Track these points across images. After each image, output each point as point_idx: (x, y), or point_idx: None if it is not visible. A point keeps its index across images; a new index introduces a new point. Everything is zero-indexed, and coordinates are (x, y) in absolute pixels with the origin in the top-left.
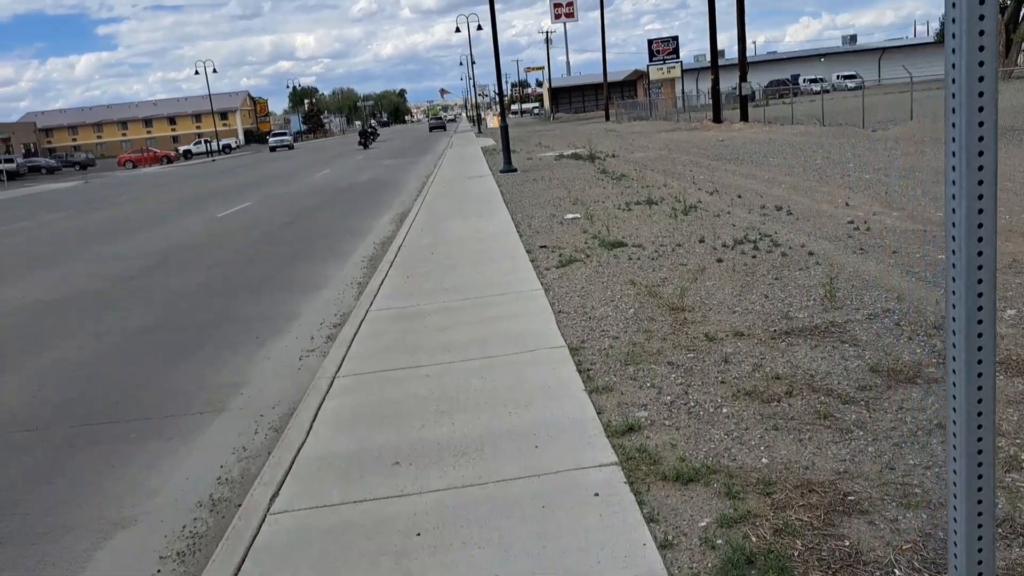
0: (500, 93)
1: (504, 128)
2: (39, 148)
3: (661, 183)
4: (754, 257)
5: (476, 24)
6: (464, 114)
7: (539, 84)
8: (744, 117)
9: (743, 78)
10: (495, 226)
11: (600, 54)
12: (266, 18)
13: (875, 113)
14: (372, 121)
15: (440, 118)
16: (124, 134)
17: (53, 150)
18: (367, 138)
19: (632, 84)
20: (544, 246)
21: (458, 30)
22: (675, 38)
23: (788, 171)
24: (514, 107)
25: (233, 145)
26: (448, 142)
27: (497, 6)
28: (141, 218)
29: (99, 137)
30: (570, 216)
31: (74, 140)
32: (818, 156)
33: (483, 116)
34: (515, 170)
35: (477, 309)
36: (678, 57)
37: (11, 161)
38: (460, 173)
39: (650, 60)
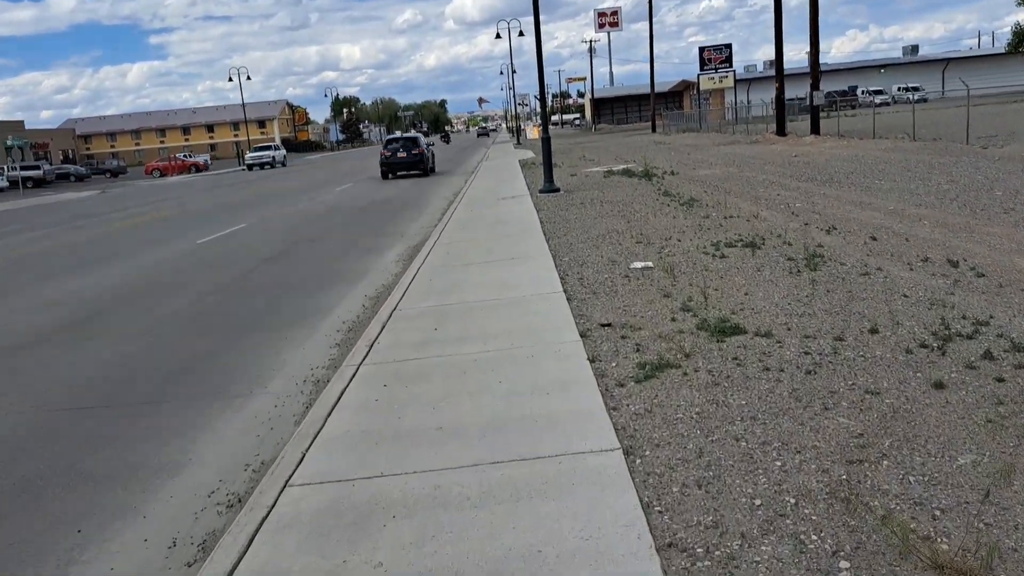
0: (543, 101)
1: (546, 140)
2: (77, 155)
3: (748, 212)
4: (1001, 382)
5: (518, 31)
6: (504, 125)
7: (580, 95)
8: (815, 130)
9: (815, 86)
10: (531, 278)
11: (642, 65)
12: (313, 29)
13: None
14: (447, 128)
15: (485, 128)
16: (162, 142)
17: (91, 157)
18: (447, 138)
19: (678, 95)
20: (607, 324)
21: (498, 36)
22: (728, 46)
23: (915, 200)
24: (555, 118)
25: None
26: (484, 154)
27: (540, 16)
28: (119, 242)
29: (137, 144)
30: (639, 265)
31: (112, 147)
32: (939, 179)
33: (523, 127)
34: (558, 190)
35: (491, 510)
36: (731, 66)
37: (37, 168)
38: (493, 192)
39: (701, 69)
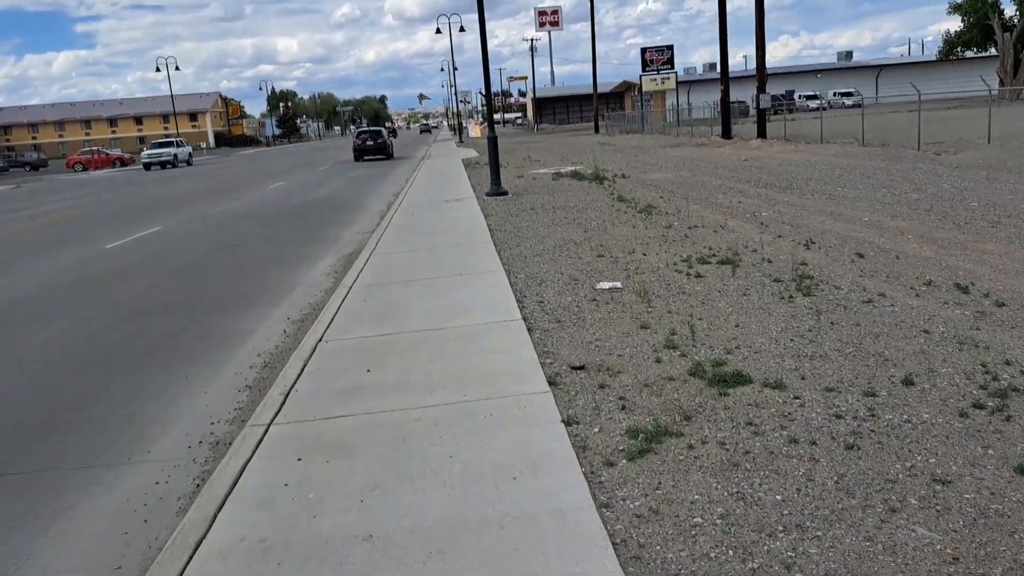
0: (488, 97)
1: (493, 140)
2: None
3: (713, 221)
4: None
5: (459, 26)
6: (445, 122)
7: (522, 94)
8: (762, 133)
9: (762, 88)
10: (484, 301)
11: (582, 65)
12: (248, 21)
13: (907, 132)
14: (390, 124)
15: (427, 125)
16: (87, 133)
17: (11, 149)
18: (395, 133)
19: (619, 96)
20: (580, 367)
21: (439, 31)
22: (670, 47)
23: (888, 210)
24: (496, 117)
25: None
26: (426, 152)
27: (484, 12)
28: (17, 246)
29: (60, 136)
30: (606, 285)
31: (34, 138)
32: (904, 187)
33: (464, 125)
34: (505, 193)
35: None
36: (673, 67)
37: None
38: (435, 194)
39: (643, 70)
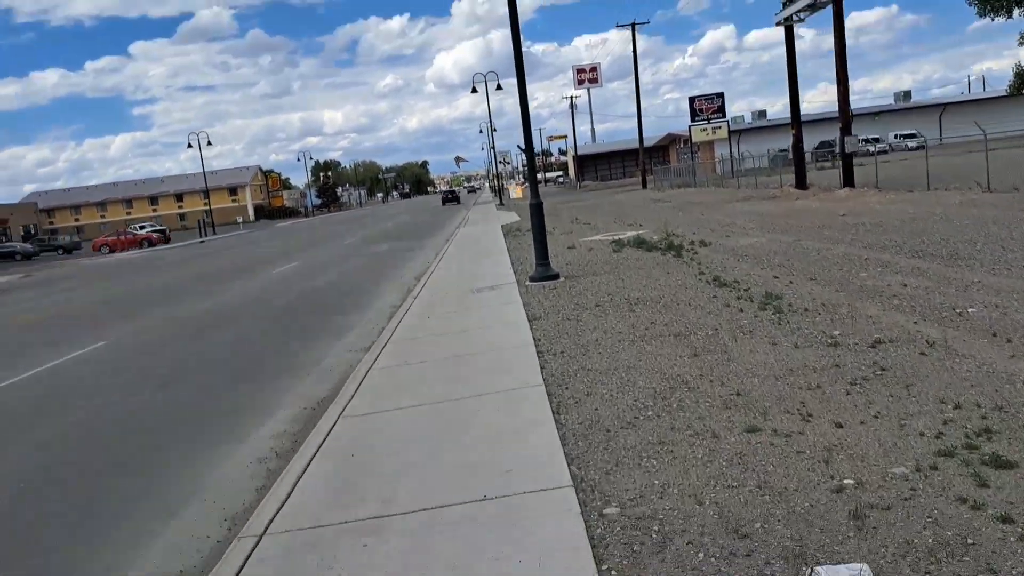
0: (530, 157)
1: (536, 207)
2: (39, 229)
3: (899, 328)
4: None
5: (496, 84)
6: (487, 184)
7: (562, 153)
8: (849, 181)
9: (846, 130)
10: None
11: (621, 122)
12: (295, 96)
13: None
14: (455, 188)
15: (472, 186)
16: (129, 213)
17: (56, 231)
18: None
19: (663, 149)
20: None
21: (474, 91)
22: (720, 95)
23: None
24: (538, 175)
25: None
26: (464, 217)
27: (523, 60)
28: None
29: (103, 216)
30: None
31: (76, 220)
32: None
33: (505, 186)
34: (555, 276)
35: None
36: (724, 116)
37: None
38: (466, 278)
39: (692, 119)
